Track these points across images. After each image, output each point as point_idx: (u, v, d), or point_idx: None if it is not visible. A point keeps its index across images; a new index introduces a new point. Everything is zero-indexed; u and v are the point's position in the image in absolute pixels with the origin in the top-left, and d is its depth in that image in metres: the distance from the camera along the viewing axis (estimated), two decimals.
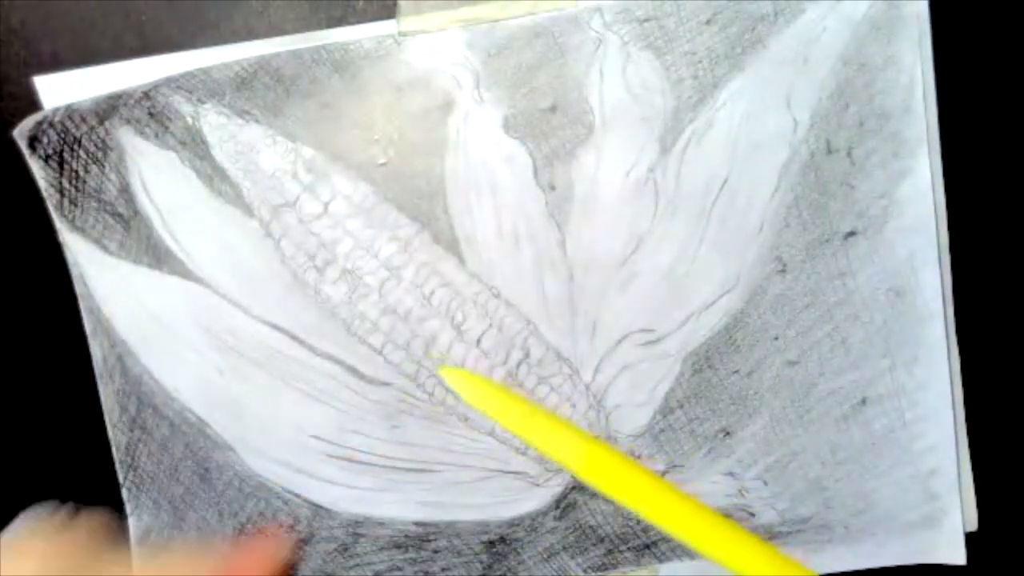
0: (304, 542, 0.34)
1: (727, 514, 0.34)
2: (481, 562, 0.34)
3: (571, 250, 0.33)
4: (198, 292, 0.33)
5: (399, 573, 0.34)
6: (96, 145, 0.33)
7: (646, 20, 0.32)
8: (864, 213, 0.33)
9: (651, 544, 0.34)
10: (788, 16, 0.32)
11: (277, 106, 0.33)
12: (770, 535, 0.34)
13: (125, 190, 0.33)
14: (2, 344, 0.34)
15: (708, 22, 0.32)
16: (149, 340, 0.33)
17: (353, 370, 0.34)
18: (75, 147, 0.33)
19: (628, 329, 0.33)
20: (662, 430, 0.34)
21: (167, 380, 0.34)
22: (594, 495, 0.34)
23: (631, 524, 0.34)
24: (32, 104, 0.33)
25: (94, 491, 0.34)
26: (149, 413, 0.34)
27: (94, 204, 0.33)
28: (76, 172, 0.33)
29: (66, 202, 0.33)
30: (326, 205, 0.33)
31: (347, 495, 0.34)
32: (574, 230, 0.33)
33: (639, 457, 0.34)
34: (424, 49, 0.32)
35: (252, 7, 0.33)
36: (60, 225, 0.33)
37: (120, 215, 0.33)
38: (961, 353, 0.34)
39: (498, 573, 0.34)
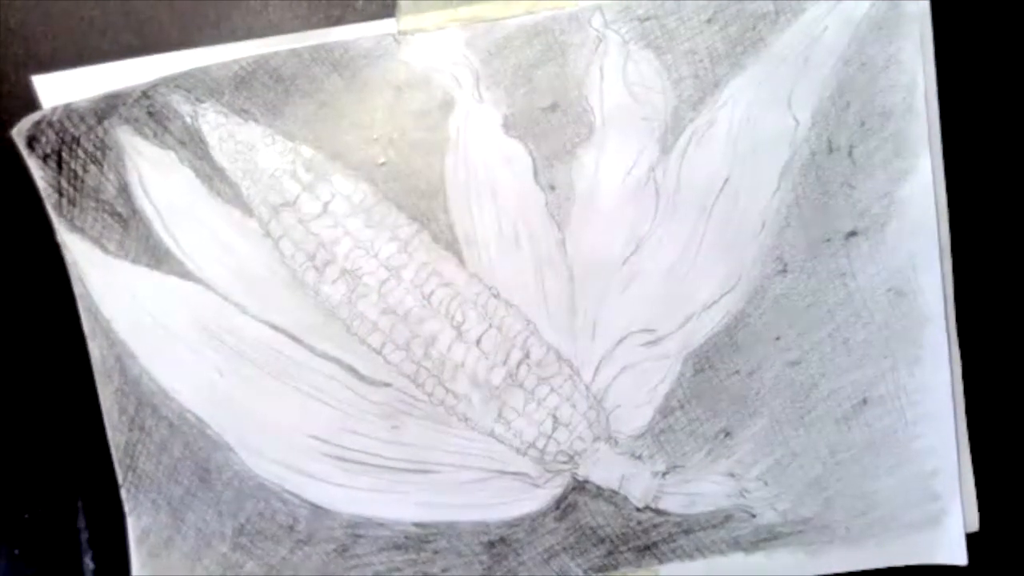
0: (303, 543, 0.34)
1: (728, 514, 0.34)
2: (481, 563, 0.34)
3: (571, 250, 0.33)
4: (197, 292, 0.33)
5: (399, 574, 0.34)
6: (95, 144, 0.33)
7: (646, 19, 0.32)
8: (865, 213, 0.33)
9: (652, 545, 0.34)
10: (789, 15, 0.32)
11: (276, 105, 0.33)
12: (771, 535, 0.34)
13: (124, 189, 0.33)
14: (2, 344, 0.34)
15: (709, 21, 0.32)
16: (148, 340, 0.33)
17: (353, 370, 0.33)
18: (74, 146, 0.33)
19: (628, 329, 0.33)
20: (662, 430, 0.34)
21: (166, 380, 0.34)
22: (595, 496, 0.34)
23: (632, 525, 0.34)
24: (31, 103, 0.33)
25: (93, 491, 0.34)
26: (148, 413, 0.34)
27: (93, 204, 0.33)
28: (75, 172, 0.33)
29: (65, 202, 0.33)
30: (325, 205, 0.33)
31: (346, 496, 0.34)
32: (574, 230, 0.33)
33: (639, 457, 0.34)
34: (423, 48, 0.32)
35: (251, 6, 0.33)
36: (59, 225, 0.33)
37: (119, 215, 0.33)
38: (962, 353, 0.34)
39: (498, 574, 0.34)
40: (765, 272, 0.33)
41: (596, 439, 0.34)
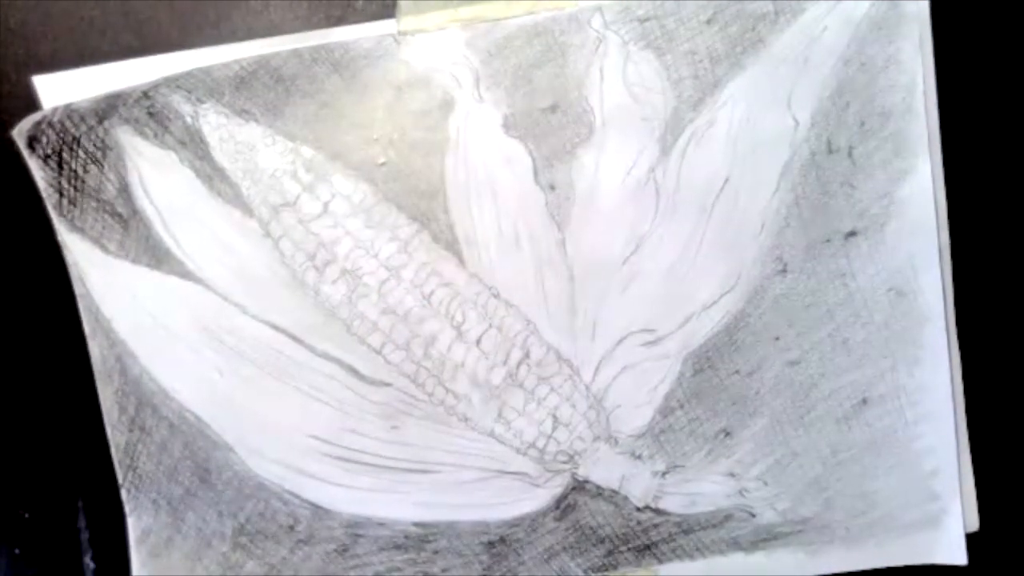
0: (303, 543, 0.34)
1: (728, 514, 0.34)
2: (481, 563, 0.34)
3: (571, 250, 0.33)
4: (197, 292, 0.33)
5: (399, 574, 0.34)
6: (95, 145, 0.33)
7: (646, 19, 0.32)
8: (865, 213, 0.33)
9: (651, 545, 0.34)
10: (789, 15, 0.32)
11: (277, 106, 0.33)
12: (771, 535, 0.34)
13: (124, 190, 0.33)
14: (2, 344, 0.34)
15: (708, 21, 0.32)
16: (148, 340, 0.33)
17: (353, 370, 0.34)
18: (74, 147, 0.33)
19: (628, 329, 0.33)
20: (662, 430, 0.34)
21: (166, 380, 0.34)
22: (595, 496, 0.34)
23: (631, 525, 0.34)
24: (31, 104, 0.33)
25: (93, 491, 0.34)
26: (148, 413, 0.34)
27: (93, 204, 0.33)
28: (75, 172, 0.33)
29: (65, 202, 0.33)
30: (326, 205, 0.33)
31: (346, 495, 0.34)
32: (574, 230, 0.33)
33: (639, 457, 0.34)
34: (424, 48, 0.32)
35: (252, 7, 0.33)
36: (59, 225, 0.33)
37: (119, 215, 0.33)
38: (962, 353, 0.34)
39: (498, 574, 0.34)
40: (765, 272, 0.33)
41: (596, 439, 0.34)
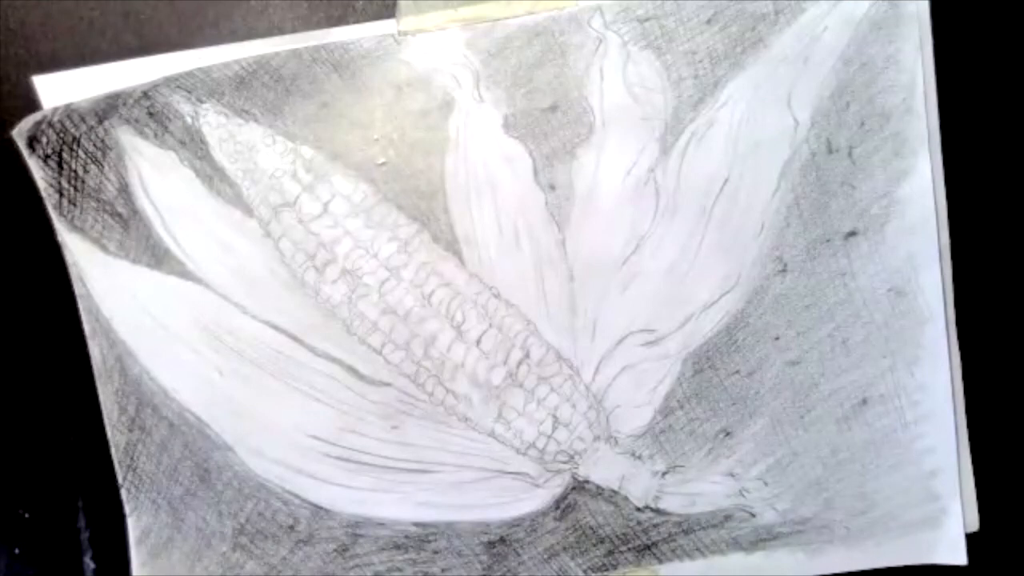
0: (303, 543, 0.34)
1: (728, 514, 0.34)
2: (481, 563, 0.34)
3: (571, 250, 0.33)
4: (197, 292, 0.33)
5: (399, 574, 0.34)
6: (95, 145, 0.33)
7: (646, 19, 0.32)
8: (865, 213, 0.33)
9: (651, 544, 0.34)
10: (789, 15, 0.32)
11: (277, 106, 0.33)
12: (771, 535, 0.34)
13: (124, 190, 0.33)
14: (2, 344, 0.34)
15: (709, 21, 0.32)
16: (148, 340, 0.33)
17: (353, 370, 0.34)
18: (74, 147, 0.33)
19: (628, 329, 0.33)
20: (662, 430, 0.34)
21: (166, 380, 0.34)
22: (595, 496, 0.34)
23: (631, 525, 0.34)
24: (31, 104, 0.33)
25: (93, 491, 0.34)
26: (148, 413, 0.34)
27: (93, 204, 0.33)
28: (75, 172, 0.33)
29: (65, 202, 0.33)
30: (326, 205, 0.33)
31: (346, 495, 0.34)
32: (574, 230, 0.33)
33: (639, 457, 0.34)
34: (424, 48, 0.32)
35: (252, 7, 0.33)
36: (59, 225, 0.33)
37: (119, 215, 0.33)
38: (961, 353, 0.34)
39: (498, 574, 0.34)
40: (765, 272, 0.33)
41: (596, 439, 0.34)
